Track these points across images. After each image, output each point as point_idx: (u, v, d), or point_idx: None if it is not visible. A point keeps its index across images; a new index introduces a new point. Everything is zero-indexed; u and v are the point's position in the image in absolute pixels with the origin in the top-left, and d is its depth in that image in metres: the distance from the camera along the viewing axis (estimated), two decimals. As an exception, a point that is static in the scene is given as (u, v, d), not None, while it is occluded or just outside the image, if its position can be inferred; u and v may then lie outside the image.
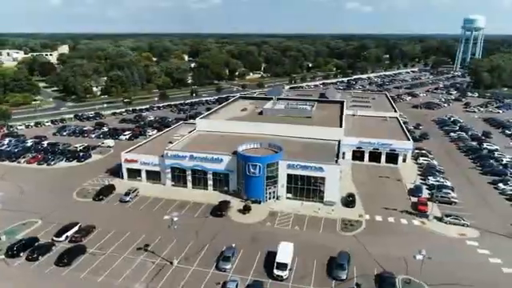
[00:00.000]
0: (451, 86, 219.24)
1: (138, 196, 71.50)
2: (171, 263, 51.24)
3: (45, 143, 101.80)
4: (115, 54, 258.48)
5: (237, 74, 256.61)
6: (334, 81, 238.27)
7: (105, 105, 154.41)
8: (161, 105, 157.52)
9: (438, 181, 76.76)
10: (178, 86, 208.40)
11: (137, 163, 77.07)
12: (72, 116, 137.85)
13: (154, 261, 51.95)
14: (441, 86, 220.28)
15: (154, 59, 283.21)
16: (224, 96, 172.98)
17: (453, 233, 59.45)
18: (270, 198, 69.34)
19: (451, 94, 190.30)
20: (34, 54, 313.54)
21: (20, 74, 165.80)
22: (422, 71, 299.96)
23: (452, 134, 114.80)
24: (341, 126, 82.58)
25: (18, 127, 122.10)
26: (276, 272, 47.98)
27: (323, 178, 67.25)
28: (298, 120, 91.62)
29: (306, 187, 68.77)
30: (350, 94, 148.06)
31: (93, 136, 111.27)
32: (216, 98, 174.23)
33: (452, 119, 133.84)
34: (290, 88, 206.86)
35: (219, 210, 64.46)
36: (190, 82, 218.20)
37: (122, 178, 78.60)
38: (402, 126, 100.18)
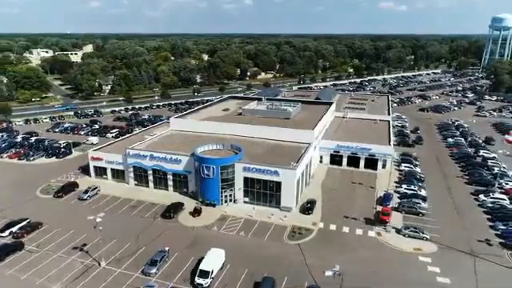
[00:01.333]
0: (470, 88, 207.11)
1: (98, 194, 71.50)
2: (99, 264, 50.45)
3: (32, 139, 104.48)
4: (131, 54, 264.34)
5: (248, 74, 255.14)
6: (346, 82, 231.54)
7: (104, 103, 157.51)
8: (160, 104, 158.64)
9: (411, 189, 71.80)
10: (186, 85, 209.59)
11: (102, 161, 77.26)
12: (72, 113, 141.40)
13: (83, 261, 51.35)
14: (459, 88, 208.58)
15: (173, 58, 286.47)
16: (227, 96, 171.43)
17: (408, 247, 54.95)
18: (226, 202, 67.27)
19: (467, 97, 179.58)
20: (62, 52, 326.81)
21: (31, 71, 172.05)
22: (445, 73, 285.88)
23: (450, 139, 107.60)
24: (313, 129, 78.90)
25: (17, 123, 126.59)
26: (197, 280, 45.97)
27: (279, 183, 64.40)
28: (275, 121, 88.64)
29: (263, 191, 66.13)
30: (350, 96, 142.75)
31: (82, 133, 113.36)
32: (219, 97, 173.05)
33: (456, 123, 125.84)
34: (299, 88, 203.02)
35: (169, 211, 63.12)
36: (198, 81, 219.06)
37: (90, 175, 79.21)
38: (389, 130, 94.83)
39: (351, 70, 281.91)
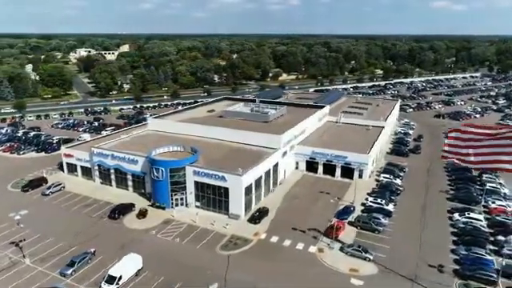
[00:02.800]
0: (505, 94, 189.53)
1: (62, 191, 73.19)
2: (25, 261, 51.24)
3: (31, 134, 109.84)
4: (158, 54, 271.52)
5: (270, 74, 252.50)
6: (370, 84, 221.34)
7: (113, 101, 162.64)
8: (169, 103, 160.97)
9: (377, 203, 66.24)
10: (203, 85, 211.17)
11: (73, 158, 79.10)
12: (82, 110, 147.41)
13: (12, 257, 52.41)
14: (492, 93, 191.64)
15: (203, 58, 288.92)
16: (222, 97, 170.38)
17: (344, 266, 50.39)
18: (177, 205, 65.98)
19: (497, 104, 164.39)
20: (99, 52, 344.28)
21: (54, 70, 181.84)
22: (484, 76, 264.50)
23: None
24: (281, 134, 75.34)
25: (29, 118, 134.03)
26: (102, 285, 45.06)
27: (227, 189, 62.00)
28: (253, 124, 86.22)
29: (213, 197, 64.06)
30: (356, 99, 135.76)
31: (80, 130, 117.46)
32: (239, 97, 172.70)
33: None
34: (315, 90, 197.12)
35: (114, 212, 62.97)
36: (217, 81, 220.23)
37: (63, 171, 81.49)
38: (377, 138, 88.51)
39: (380, 72, 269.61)
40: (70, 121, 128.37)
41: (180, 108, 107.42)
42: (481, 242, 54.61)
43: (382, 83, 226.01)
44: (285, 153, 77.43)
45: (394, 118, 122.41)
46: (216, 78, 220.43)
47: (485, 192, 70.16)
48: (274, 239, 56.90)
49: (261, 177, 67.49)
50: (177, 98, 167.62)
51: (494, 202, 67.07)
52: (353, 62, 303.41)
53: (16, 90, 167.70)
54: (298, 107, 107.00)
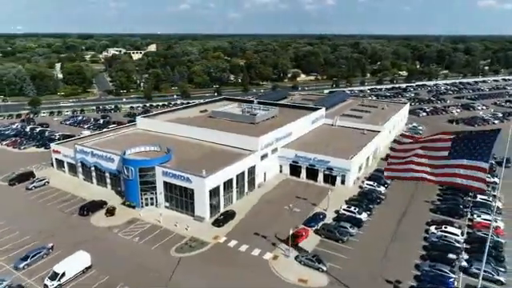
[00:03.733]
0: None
1: (45, 186, 75.68)
2: (-14, 253, 53.27)
3: (37, 129, 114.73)
4: (180, 53, 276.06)
5: (289, 75, 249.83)
6: (389, 86, 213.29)
7: (124, 99, 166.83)
8: (178, 102, 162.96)
9: (350, 211, 63.33)
10: (219, 85, 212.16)
11: (61, 155, 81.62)
12: (94, 107, 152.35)
13: (-23, 248, 54.65)
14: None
15: (227, 58, 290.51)
16: (222, 97, 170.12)
17: (294, 276, 48.44)
18: (147, 204, 66.34)
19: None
20: (126, 51, 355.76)
21: (73, 68, 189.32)
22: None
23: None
24: (259, 136, 73.85)
25: (42, 114, 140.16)
26: (45, 281, 45.91)
27: (193, 190, 61.54)
28: (239, 125, 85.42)
29: (180, 198, 63.82)
30: (362, 101, 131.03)
31: (85, 127, 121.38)
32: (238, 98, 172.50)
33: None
34: (329, 92, 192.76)
35: (83, 209, 64.19)
36: (232, 81, 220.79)
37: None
38: (367, 143, 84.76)
39: (404, 74, 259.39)
40: (79, 118, 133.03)
41: (174, 107, 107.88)
42: (448, 258, 50.71)
43: (404, 85, 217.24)
44: (265, 155, 75.90)
45: (399, 122, 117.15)
46: (232, 77, 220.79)
47: (472, 204, 65.22)
48: (232, 244, 55.77)
49: (231, 179, 66.47)
50: (187, 98, 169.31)
51: (479, 216, 62.23)
52: (378, 63, 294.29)
53: (38, 87, 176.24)
54: (295, 109, 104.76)
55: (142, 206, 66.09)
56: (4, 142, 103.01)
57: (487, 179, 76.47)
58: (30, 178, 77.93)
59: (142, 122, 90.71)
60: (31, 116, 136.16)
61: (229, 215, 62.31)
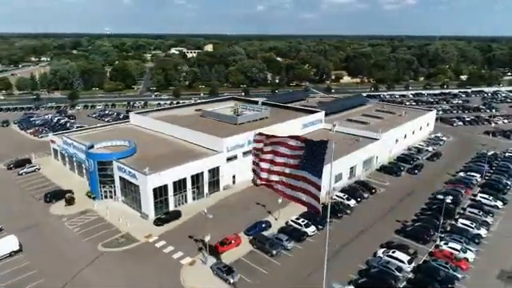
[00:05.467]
0: None
1: (36, 172, 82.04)
2: None
3: (62, 121, 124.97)
4: (227, 53, 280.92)
5: (333, 77, 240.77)
6: (437, 92, 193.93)
7: (153, 96, 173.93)
8: (204, 100, 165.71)
9: (297, 223, 58.69)
10: (255, 85, 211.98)
11: (55, 144, 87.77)
12: (125, 103, 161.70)
13: None
14: None
15: (279, 59, 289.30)
16: (230, 96, 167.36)
17: (196, 284, 46.14)
18: (106, 197, 68.42)
19: None
20: (182, 51, 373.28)
21: (118, 66, 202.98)
22: None
23: (461, 173, 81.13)
24: (223, 138, 71.80)
25: (77, 107, 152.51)
26: (-30, 260, 49.58)
27: (138, 187, 61.99)
28: (221, 125, 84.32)
29: (132, 193, 64.70)
30: (382, 106, 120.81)
31: (105, 120, 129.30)
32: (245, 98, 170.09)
33: (502, 155, 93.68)
34: (367, 96, 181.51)
35: (48, 196, 68.10)
36: (271, 81, 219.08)
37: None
38: (351, 152, 77.87)
39: (463, 78, 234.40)
40: (106, 112, 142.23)
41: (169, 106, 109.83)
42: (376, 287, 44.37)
43: (456, 91, 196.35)
44: (233, 157, 73.71)
45: (418, 131, 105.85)
46: (269, 77, 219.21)
47: (447, 229, 56.36)
48: (160, 244, 55.04)
49: (185, 179, 65.62)
50: (214, 96, 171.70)
51: (446, 244, 53.54)
52: (441, 65, 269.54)
53: (85, 82, 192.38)
54: (297, 112, 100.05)
55: (102, 198, 68.35)
56: (29, 131, 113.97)
57: (489, 202, 66.44)
58: (26, 164, 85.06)
59: (135, 118, 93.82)
60: (65, 108, 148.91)
61: (173, 215, 61.63)
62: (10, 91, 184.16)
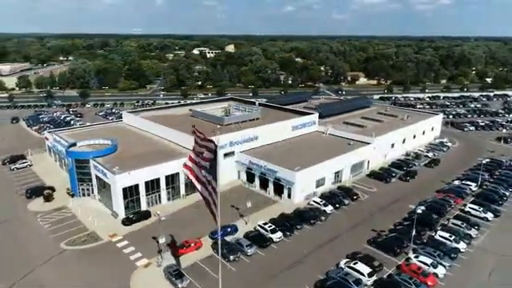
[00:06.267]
0: None
1: (27, 168, 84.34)
2: None
3: (67, 119, 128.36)
4: (244, 53, 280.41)
5: (349, 78, 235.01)
6: (457, 95, 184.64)
7: (161, 95, 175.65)
8: (202, 100, 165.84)
9: (263, 228, 56.79)
10: (268, 86, 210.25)
11: (49, 141, 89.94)
12: (134, 102, 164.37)
13: None
14: None
15: (298, 59, 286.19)
16: (228, 97, 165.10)
17: (141, 286, 45.48)
18: (84, 195, 69.11)
19: None
20: (203, 51, 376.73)
21: (132, 66, 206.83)
22: None
23: (456, 181, 76.26)
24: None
25: (87, 105, 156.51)
26: None
27: (110, 186, 62.13)
28: (207, 125, 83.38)
29: (106, 192, 64.95)
30: (385, 109, 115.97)
31: (110, 118, 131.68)
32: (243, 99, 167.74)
33: (507, 162, 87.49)
34: (380, 98, 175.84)
35: (28, 192, 69.56)
36: (283, 82, 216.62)
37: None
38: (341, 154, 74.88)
39: (489, 80, 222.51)
40: (113, 110, 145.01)
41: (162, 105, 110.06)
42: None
43: (477, 94, 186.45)
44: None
45: (420, 135, 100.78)
46: (282, 78, 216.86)
47: (419, 241, 52.82)
48: (122, 244, 54.81)
49: (158, 179, 65.20)
50: (221, 96, 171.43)
51: (417, 257, 50.08)
52: (465, 67, 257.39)
53: (100, 81, 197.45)
54: (292, 113, 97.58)
55: (80, 196, 69.13)
56: (34, 128, 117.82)
57: (478, 213, 62.18)
58: (19, 160, 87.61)
59: (127, 118, 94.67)
60: (75, 106, 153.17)
61: (142, 216, 61.31)
62: (29, 89, 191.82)
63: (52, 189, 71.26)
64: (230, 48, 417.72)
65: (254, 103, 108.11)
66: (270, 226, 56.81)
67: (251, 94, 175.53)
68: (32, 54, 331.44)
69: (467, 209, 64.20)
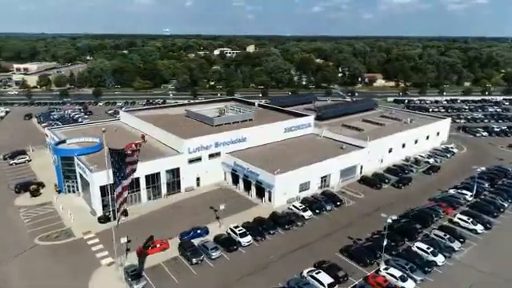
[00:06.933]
0: None
1: (25, 163, 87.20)
2: None
3: (76, 116, 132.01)
4: (262, 54, 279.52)
5: (366, 80, 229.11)
6: (478, 98, 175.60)
7: (171, 94, 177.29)
8: (203, 100, 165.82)
9: (234, 232, 55.61)
10: (281, 87, 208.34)
11: (48, 138, 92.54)
12: (145, 101, 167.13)
13: None
14: None
15: (318, 60, 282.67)
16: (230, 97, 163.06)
17: (96, 286, 45.46)
18: (69, 191, 70.51)
19: None
20: (223, 51, 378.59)
21: (147, 65, 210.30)
22: None
23: (451, 190, 72.11)
24: (186, 138, 70.49)
25: (100, 104, 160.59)
26: None
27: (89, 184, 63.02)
28: (198, 125, 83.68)
29: (88, 190, 65.87)
30: (390, 112, 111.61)
31: (116, 117, 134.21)
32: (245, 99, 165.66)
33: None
34: (394, 101, 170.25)
35: (17, 187, 71.68)
36: (296, 83, 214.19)
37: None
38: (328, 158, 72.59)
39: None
40: (123, 109, 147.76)
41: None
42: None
43: (500, 98, 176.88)
44: (196, 159, 72.22)
45: (424, 140, 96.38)
46: (295, 79, 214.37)
47: (395, 252, 50.23)
48: (93, 241, 55.35)
49: (138, 178, 65.37)
50: (230, 95, 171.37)
51: (386, 269, 47.51)
52: (491, 69, 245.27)
53: (116, 80, 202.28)
54: (288, 115, 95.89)
55: (65, 192, 70.57)
56: (43, 124, 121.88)
57: (466, 225, 58.78)
58: (19, 155, 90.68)
59: (123, 116, 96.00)
60: (87, 104, 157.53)
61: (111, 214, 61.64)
62: (48, 87, 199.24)
63: (41, 184, 73.17)
64: (251, 48, 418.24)
65: (253, 104, 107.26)
66: (240, 230, 55.67)
67: (261, 95, 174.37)
68: (60, 53, 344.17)
69: (456, 219, 60.51)
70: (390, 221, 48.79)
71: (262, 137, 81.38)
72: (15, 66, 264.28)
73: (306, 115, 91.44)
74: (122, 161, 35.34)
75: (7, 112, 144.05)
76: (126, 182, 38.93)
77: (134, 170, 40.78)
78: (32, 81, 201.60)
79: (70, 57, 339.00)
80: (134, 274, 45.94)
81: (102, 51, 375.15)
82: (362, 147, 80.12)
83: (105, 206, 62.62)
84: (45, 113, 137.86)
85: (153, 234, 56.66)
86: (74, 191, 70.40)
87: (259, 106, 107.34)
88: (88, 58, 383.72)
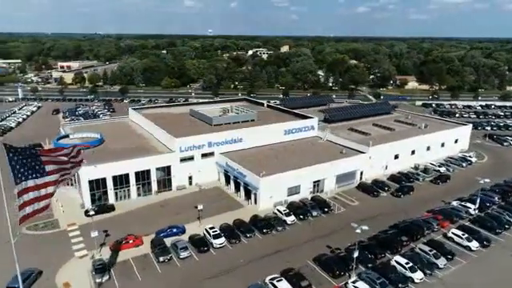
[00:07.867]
0: None
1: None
2: None
3: (99, 113, 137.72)
4: (292, 54, 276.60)
5: (398, 82, 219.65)
6: (509, 104, 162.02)
7: (193, 93, 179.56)
8: (211, 100, 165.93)
9: (209, 234, 55.07)
10: (306, 88, 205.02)
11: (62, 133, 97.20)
12: (168, 99, 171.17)
13: None
14: None
15: (353, 61, 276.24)
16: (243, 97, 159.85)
17: (64, 279, 46.79)
18: (68, 184, 73.20)
19: None
20: (258, 51, 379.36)
21: (175, 65, 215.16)
22: None
23: (454, 202, 66.75)
24: (178, 137, 70.92)
25: (125, 100, 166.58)
26: None
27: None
28: (197, 124, 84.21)
29: (80, 183, 68.31)
30: (406, 117, 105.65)
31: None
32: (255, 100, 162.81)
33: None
34: (422, 105, 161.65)
35: (23, 178, 75.71)
36: (323, 84, 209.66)
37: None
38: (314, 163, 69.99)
39: None
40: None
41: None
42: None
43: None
44: (189, 158, 72.55)
45: (439, 148, 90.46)
46: (322, 79, 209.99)
47: (372, 264, 47.26)
48: (74, 234, 57.25)
49: (127, 174, 66.80)
50: (250, 95, 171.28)
51: (354, 282, 44.81)
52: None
53: (145, 78, 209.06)
54: (294, 116, 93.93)
55: (64, 185, 73.51)
56: (67, 119, 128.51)
57: (460, 241, 54.59)
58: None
59: (131, 114, 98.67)
60: (114, 101, 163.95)
61: (105, 208, 63.37)
62: (82, 84, 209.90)
63: (44, 176, 76.77)
64: (285, 49, 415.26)
65: (262, 104, 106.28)
66: (214, 231, 55.09)
67: (281, 96, 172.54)
68: (101, 52, 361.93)
69: (450, 234, 56.01)
70: (358, 231, 45.91)
71: (259, 138, 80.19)
72: (59, 63, 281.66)
73: (310, 117, 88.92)
74: (31, 159, 31.65)
75: (39, 107, 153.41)
76: (44, 180, 35.12)
77: (66, 169, 37.33)
78: (68, 78, 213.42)
79: (110, 56, 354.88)
80: (99, 268, 46.81)
81: (139, 51, 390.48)
82: (363, 152, 76.58)
83: (94, 200, 64.78)
84: (71, 109, 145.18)
85: (135, 229, 57.50)
86: (72, 184, 73.31)
87: (268, 106, 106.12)
88: (127, 57, 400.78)
